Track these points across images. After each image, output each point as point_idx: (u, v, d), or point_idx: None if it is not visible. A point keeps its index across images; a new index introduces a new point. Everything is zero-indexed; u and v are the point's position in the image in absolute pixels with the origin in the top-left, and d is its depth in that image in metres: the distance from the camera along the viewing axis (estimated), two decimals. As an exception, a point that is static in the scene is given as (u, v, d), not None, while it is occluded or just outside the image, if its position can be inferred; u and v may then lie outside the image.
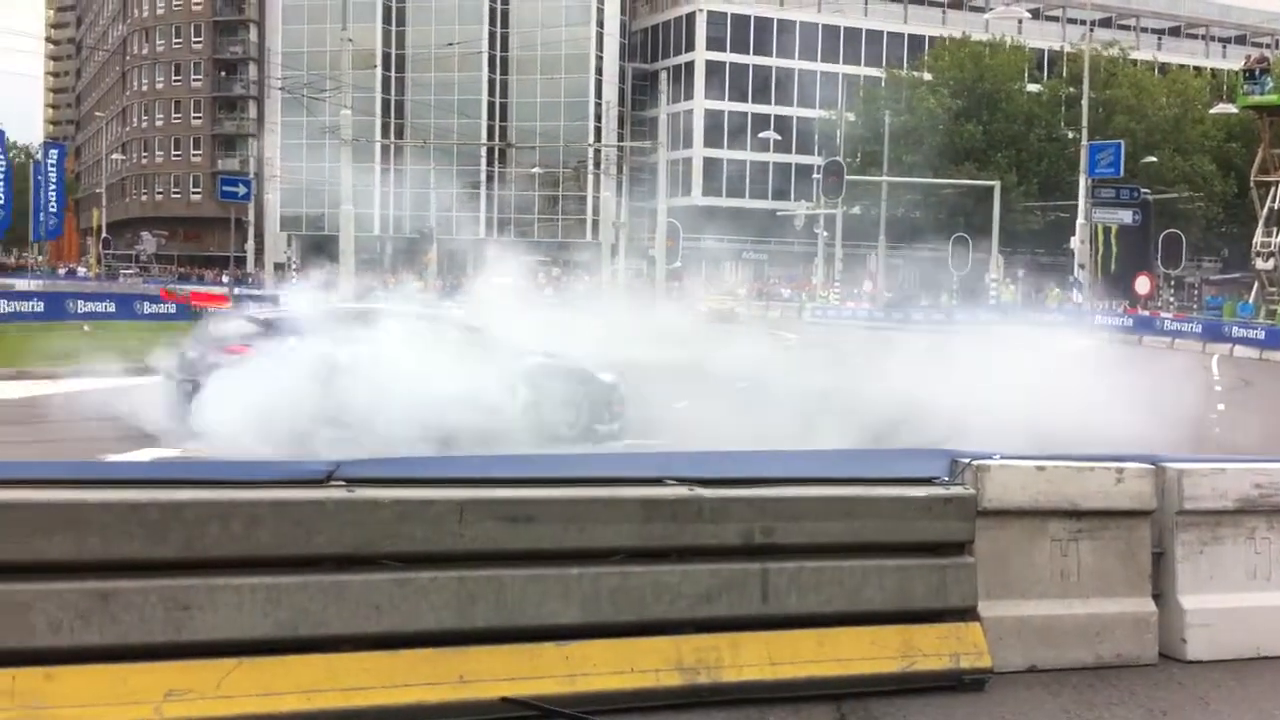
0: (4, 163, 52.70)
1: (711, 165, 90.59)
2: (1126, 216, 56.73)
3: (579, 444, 13.81)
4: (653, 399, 18.50)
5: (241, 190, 48.01)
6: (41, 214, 61.89)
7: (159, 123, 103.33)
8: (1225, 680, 6.42)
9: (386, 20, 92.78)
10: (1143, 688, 6.22)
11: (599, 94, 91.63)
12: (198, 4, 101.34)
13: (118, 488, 5.01)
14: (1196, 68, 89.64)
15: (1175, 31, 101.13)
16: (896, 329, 52.51)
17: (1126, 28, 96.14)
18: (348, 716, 5.01)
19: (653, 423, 15.97)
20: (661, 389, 19.81)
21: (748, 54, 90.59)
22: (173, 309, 37.07)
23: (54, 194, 61.75)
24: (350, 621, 5.11)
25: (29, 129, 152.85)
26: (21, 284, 54.70)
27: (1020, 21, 71.38)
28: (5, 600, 4.70)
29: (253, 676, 4.94)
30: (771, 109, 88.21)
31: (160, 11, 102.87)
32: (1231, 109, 62.91)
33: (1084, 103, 54.34)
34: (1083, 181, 52.75)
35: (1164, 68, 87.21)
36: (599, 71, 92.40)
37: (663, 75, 78.13)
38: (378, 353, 13.56)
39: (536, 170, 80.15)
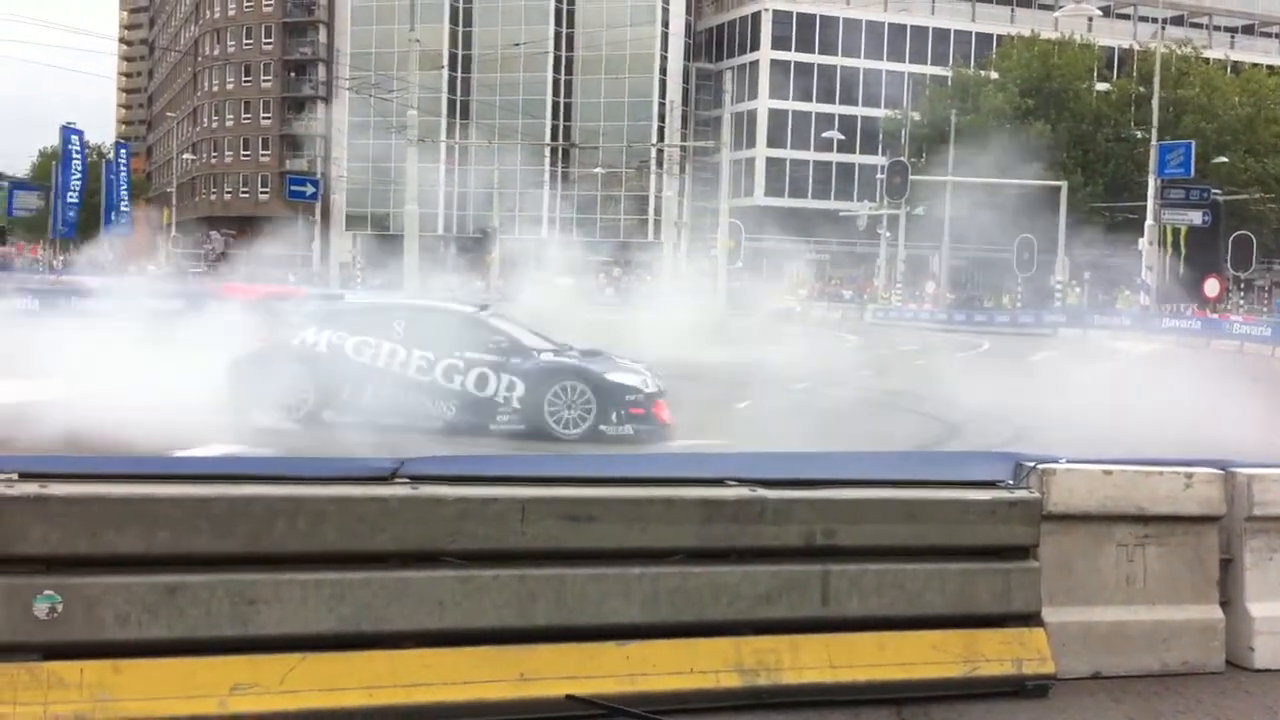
0: (79, 162, 53.58)
1: (775, 165, 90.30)
2: (1196, 218, 55.89)
3: (583, 444, 13.95)
4: (714, 400, 18.54)
5: (309, 190, 48.58)
6: (113, 213, 62.86)
7: (229, 123, 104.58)
8: (1294, 690, 6.32)
9: (454, 21, 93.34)
10: (1209, 696, 6.14)
11: (663, 94, 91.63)
12: (268, 5, 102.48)
13: (186, 482, 5.08)
14: (1270, 67, 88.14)
15: (1249, 30, 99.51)
16: (961, 331, 52.15)
17: (1199, 25, 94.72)
18: (410, 713, 5.05)
19: (713, 423, 15.98)
20: (723, 390, 19.85)
21: (813, 53, 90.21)
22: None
23: (124, 193, 62.65)
24: (413, 618, 5.16)
25: (102, 129, 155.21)
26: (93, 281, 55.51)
27: (1090, 19, 70.62)
28: (75, 593, 4.78)
29: (317, 671, 4.99)
30: (836, 108, 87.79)
31: (231, 13, 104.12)
32: (1306, 108, 61.88)
33: (1154, 102, 53.67)
34: (1152, 182, 52.11)
35: (1237, 66, 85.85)
36: (663, 71, 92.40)
37: (727, 75, 78.01)
38: (374, 344, 14.52)
39: (600, 170, 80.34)
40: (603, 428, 14.26)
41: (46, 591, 4.73)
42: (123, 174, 62.32)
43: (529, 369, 14.48)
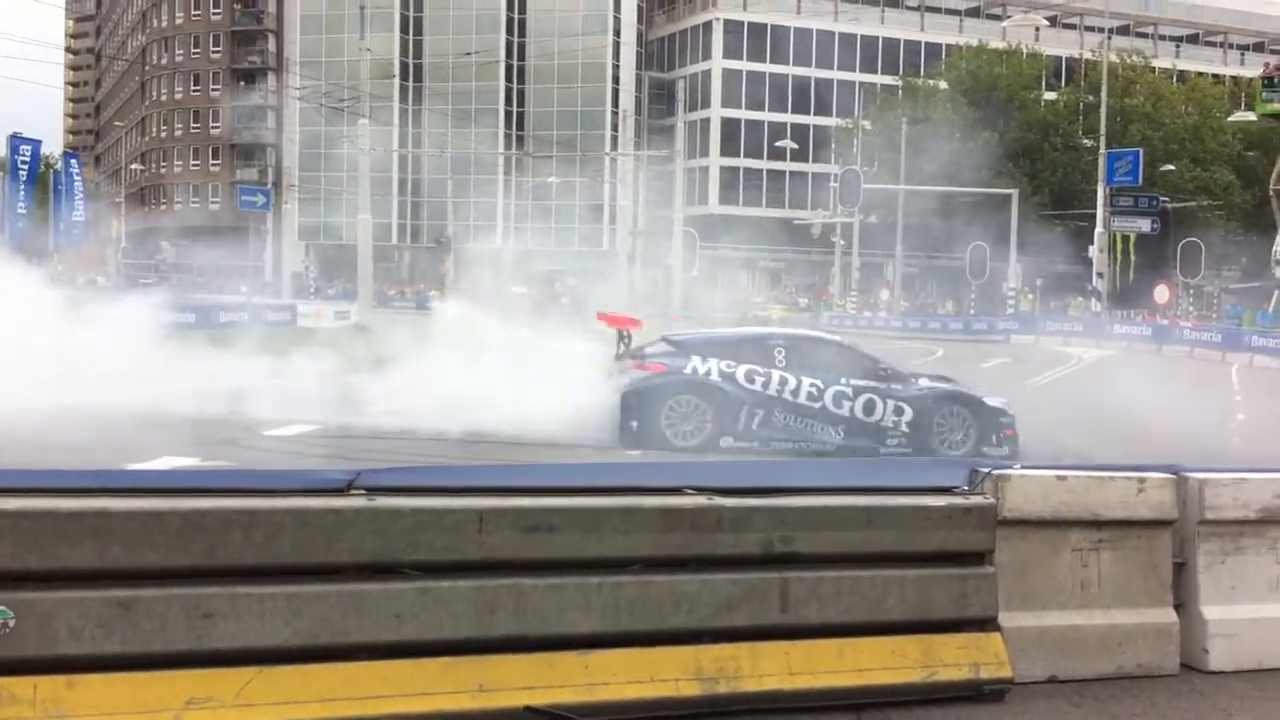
0: (26, 173, 52.91)
1: (728, 173, 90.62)
2: (1145, 225, 56.63)
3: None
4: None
5: (260, 200, 48.31)
6: (61, 224, 62.11)
7: (178, 132, 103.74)
8: (1247, 691, 6.39)
9: (404, 30, 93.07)
10: (1164, 698, 6.20)
11: (615, 103, 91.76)
12: (217, 14, 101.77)
13: (141, 496, 5.03)
14: (1215, 75, 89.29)
15: (1194, 39, 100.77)
16: (916, 338, 52.46)
17: (1145, 35, 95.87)
18: (368, 725, 5.01)
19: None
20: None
21: (764, 62, 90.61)
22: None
23: (78, 203, 61.93)
24: (370, 630, 5.12)
25: (49, 139, 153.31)
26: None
27: (1037, 29, 71.30)
28: (28, 608, 4.72)
29: (273, 685, 4.95)
30: (788, 117, 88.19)
31: (179, 21, 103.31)
32: (1250, 117, 62.69)
33: (1102, 111, 54.23)
34: (1101, 190, 52.66)
35: (1183, 75, 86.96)
36: (616, 80, 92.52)
37: (679, 84, 78.24)
38: (764, 373, 14.97)
39: (553, 179, 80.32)
40: (985, 449, 14.77)
41: (-2, 607, 4.67)
42: (74, 184, 61.59)
43: (913, 395, 15.13)
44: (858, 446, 14.74)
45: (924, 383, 15.54)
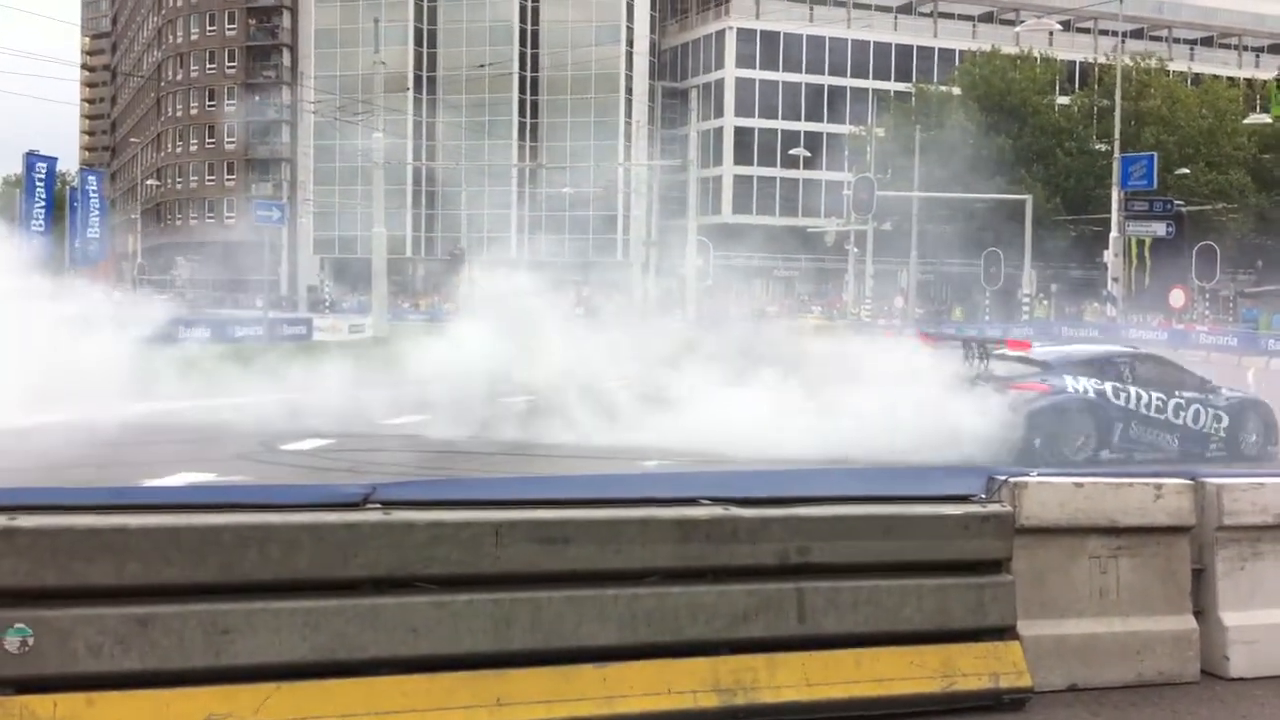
0: (44, 189, 53.13)
1: (741, 182, 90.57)
2: (1160, 229, 56.33)
3: (1261, 464, 15.87)
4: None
5: (275, 214, 48.43)
6: (78, 240, 62.25)
7: (193, 148, 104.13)
8: (1269, 698, 6.36)
9: (418, 43, 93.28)
10: (1185, 706, 6.17)
11: (629, 113, 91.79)
12: (231, 29, 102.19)
13: (157, 512, 5.04)
14: (1230, 78, 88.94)
15: (1208, 41, 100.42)
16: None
17: (1159, 39, 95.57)
18: (386, 740, 5.01)
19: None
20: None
21: (777, 71, 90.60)
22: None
23: (96, 219, 62.08)
24: (388, 645, 5.13)
25: (65, 156, 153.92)
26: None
27: (1051, 34, 71.14)
28: (47, 626, 4.73)
29: (291, 700, 4.96)
30: (801, 125, 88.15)
31: (194, 37, 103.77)
32: (1266, 119, 62.39)
33: (1116, 115, 54.05)
34: (1115, 194, 52.44)
35: (1197, 78, 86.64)
36: (629, 90, 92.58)
37: (693, 93, 78.33)
38: (1125, 389, 16.08)
39: (567, 190, 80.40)
40: (1270, 448, 16.78)
41: (17, 625, 4.68)
42: (92, 202, 61.79)
43: (1225, 404, 16.82)
44: (1190, 452, 16.11)
45: (1226, 392, 17.09)
